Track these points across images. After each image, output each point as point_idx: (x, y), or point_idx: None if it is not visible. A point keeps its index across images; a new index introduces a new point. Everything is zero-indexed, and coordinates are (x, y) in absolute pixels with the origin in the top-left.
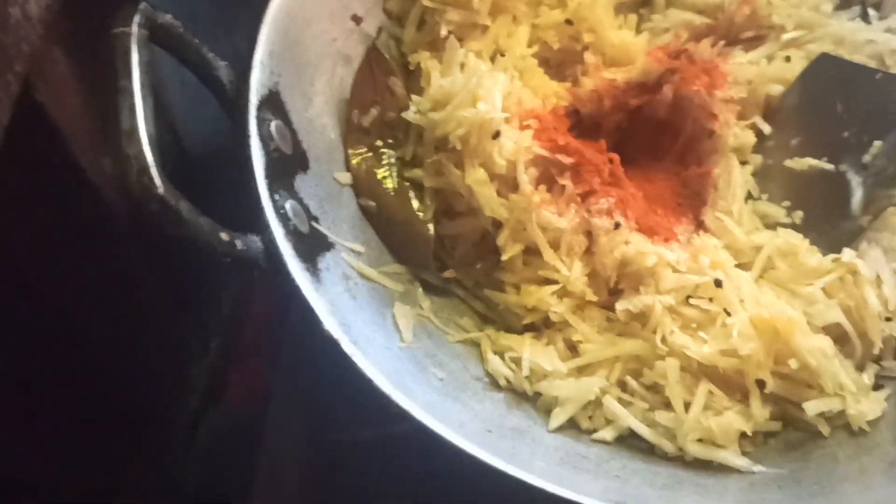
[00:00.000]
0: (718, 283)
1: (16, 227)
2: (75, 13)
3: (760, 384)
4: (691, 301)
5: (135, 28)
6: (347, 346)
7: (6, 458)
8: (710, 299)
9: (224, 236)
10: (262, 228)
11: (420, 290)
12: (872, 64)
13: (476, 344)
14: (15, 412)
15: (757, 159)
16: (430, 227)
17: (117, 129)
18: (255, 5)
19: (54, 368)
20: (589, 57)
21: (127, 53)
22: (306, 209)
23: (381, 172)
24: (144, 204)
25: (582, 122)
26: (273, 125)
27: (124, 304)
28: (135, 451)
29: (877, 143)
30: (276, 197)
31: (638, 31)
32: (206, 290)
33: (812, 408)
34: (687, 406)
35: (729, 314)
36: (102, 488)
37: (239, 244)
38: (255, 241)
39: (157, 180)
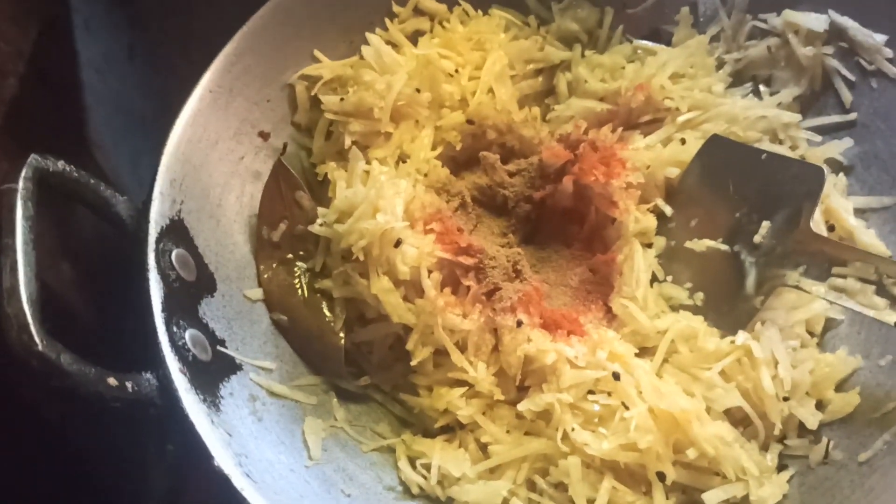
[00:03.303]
0: (616, 377)
1: None
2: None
3: (661, 476)
4: (591, 396)
5: (21, 183)
6: (238, 480)
7: None
8: (609, 393)
9: (112, 381)
10: (157, 365)
11: (335, 399)
12: (766, 139)
13: (392, 450)
14: None
15: (661, 241)
16: (342, 335)
17: None
18: (161, 128)
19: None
20: (487, 155)
21: (11, 210)
22: (211, 334)
23: (292, 285)
24: (25, 361)
25: (493, 208)
26: (174, 254)
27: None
28: None
29: (765, 224)
30: (175, 329)
31: (544, 119)
32: None
33: (712, 497)
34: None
35: (627, 407)
36: None
37: (130, 386)
38: (149, 379)
39: (36, 337)
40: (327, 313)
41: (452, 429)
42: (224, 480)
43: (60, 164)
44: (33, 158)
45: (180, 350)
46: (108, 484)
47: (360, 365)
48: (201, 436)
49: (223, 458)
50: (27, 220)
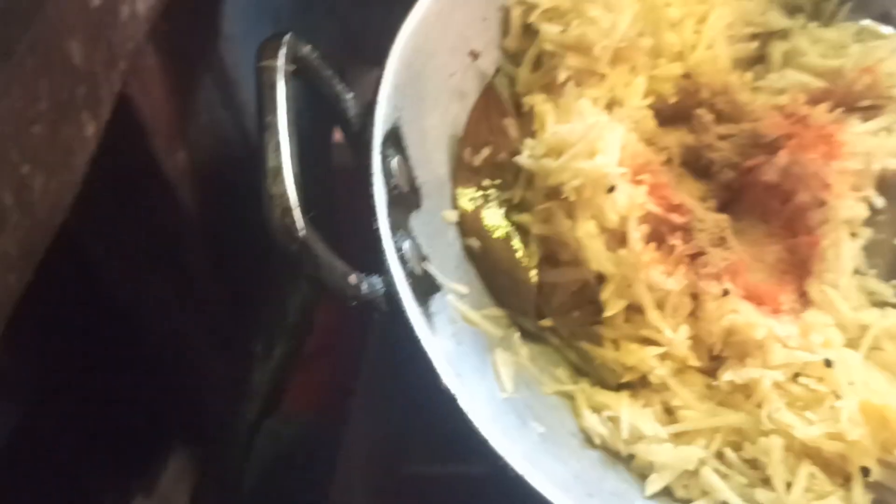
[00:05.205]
0: (829, 364)
1: (88, 217)
2: (169, 10)
3: (865, 471)
4: (799, 379)
5: (281, 61)
6: (465, 403)
7: (56, 454)
8: (819, 379)
9: (353, 279)
10: (384, 271)
11: (517, 335)
12: None
13: (570, 397)
14: (67, 406)
15: (867, 233)
16: (534, 273)
17: (262, 166)
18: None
19: (112, 364)
20: (702, 114)
21: (273, 88)
22: (418, 249)
23: (487, 214)
24: (285, 245)
25: (695, 169)
26: (394, 161)
27: (188, 302)
28: (191, 456)
29: None
30: (396, 237)
31: (752, 88)
32: (271, 295)
33: None
34: (787, 486)
35: (838, 396)
36: (156, 494)
37: (364, 287)
38: (377, 282)
39: (300, 222)
40: (517, 247)
41: (632, 386)
42: (450, 401)
43: (308, 48)
44: (291, 37)
45: (402, 259)
46: (212, 378)
47: (539, 306)
48: (427, 352)
49: (448, 376)
50: (288, 100)
